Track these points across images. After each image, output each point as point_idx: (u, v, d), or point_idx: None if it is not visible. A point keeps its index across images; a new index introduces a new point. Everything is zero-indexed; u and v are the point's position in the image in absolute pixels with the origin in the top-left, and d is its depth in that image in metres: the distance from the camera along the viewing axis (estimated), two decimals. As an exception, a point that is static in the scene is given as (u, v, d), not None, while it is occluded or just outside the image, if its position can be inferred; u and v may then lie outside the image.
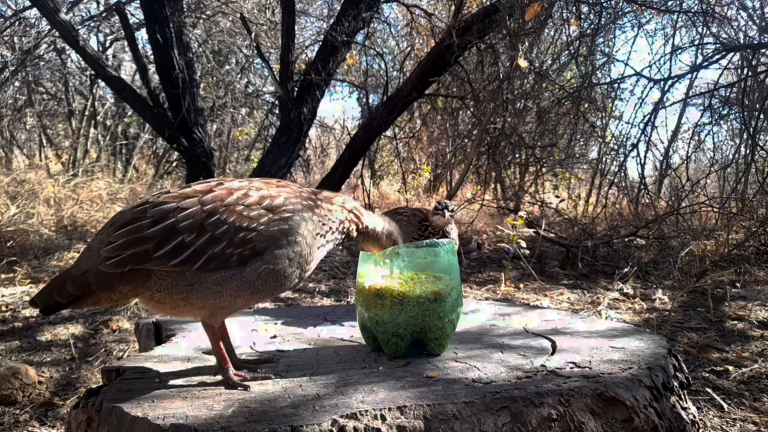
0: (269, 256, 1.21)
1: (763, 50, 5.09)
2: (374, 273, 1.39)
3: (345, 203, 1.37)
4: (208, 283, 1.18)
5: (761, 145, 5.55)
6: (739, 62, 6.18)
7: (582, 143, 7.73)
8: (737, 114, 6.04)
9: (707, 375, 2.46)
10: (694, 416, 1.35)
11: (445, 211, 1.91)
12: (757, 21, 5.50)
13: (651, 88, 5.93)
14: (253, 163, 9.31)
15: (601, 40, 5.72)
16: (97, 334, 3.03)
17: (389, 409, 1.03)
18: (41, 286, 3.84)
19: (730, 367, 2.52)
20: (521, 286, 4.19)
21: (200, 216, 1.18)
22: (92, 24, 7.51)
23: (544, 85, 5.27)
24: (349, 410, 1.02)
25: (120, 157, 9.69)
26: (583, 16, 5.05)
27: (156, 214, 1.18)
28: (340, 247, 1.44)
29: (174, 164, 9.72)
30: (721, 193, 7.04)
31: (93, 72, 6.61)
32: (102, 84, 8.45)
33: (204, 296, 1.19)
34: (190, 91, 5.24)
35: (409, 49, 7.39)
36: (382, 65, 6.78)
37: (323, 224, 1.31)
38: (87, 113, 8.97)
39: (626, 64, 10.42)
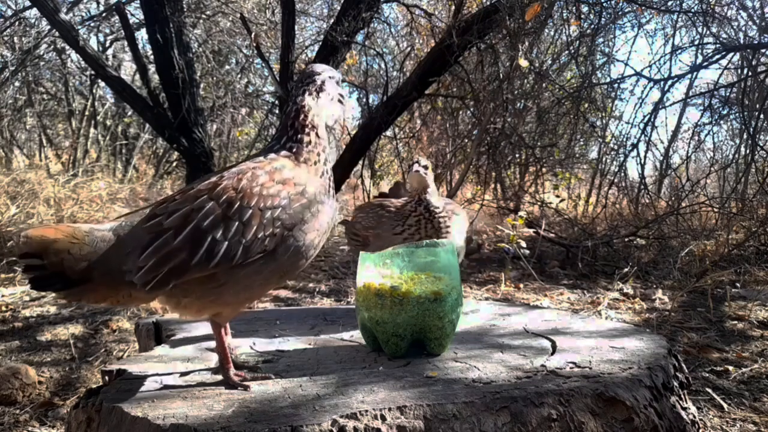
0: (298, 232, 1.18)
1: (763, 50, 5.09)
2: (374, 273, 1.39)
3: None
4: (240, 277, 1.15)
5: (761, 145, 5.55)
6: (739, 62, 6.18)
7: (582, 143, 7.72)
8: (737, 114, 6.04)
9: (707, 375, 2.46)
10: (694, 416, 1.35)
11: (415, 165, 1.64)
12: (757, 21, 5.50)
13: (651, 88, 5.94)
14: (253, 163, 9.29)
15: (601, 40, 5.72)
16: (97, 334, 3.03)
17: (389, 409, 1.03)
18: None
19: (730, 367, 2.52)
20: (521, 286, 4.19)
21: (219, 210, 1.14)
22: (92, 24, 7.51)
23: (544, 85, 5.27)
24: (349, 410, 1.02)
25: (120, 157, 9.69)
26: (583, 16, 5.05)
27: (174, 223, 1.13)
28: (344, 246, 1.44)
29: (174, 164, 9.73)
30: (721, 193, 7.03)
31: (93, 72, 6.61)
32: (102, 84, 8.46)
33: (236, 293, 1.17)
34: (190, 91, 5.23)
35: (409, 49, 7.38)
36: (382, 65, 6.78)
37: (322, 186, 1.28)
38: (87, 113, 8.97)
39: (626, 64, 10.40)
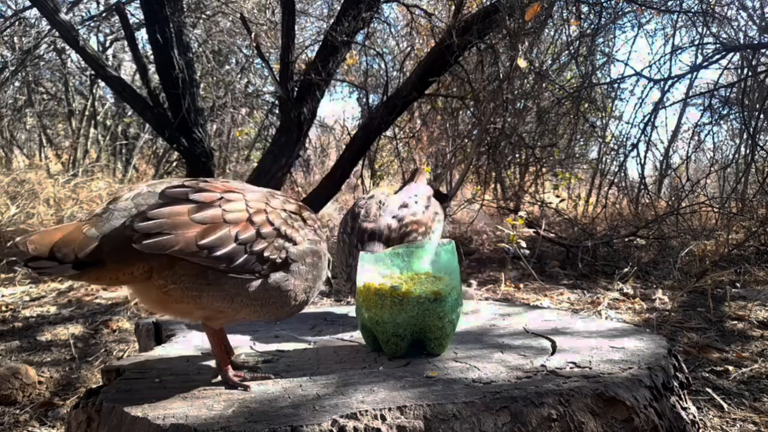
0: (295, 269, 1.20)
1: (763, 50, 5.09)
2: (374, 273, 1.39)
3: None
4: (228, 285, 1.14)
5: (761, 145, 5.55)
6: (739, 62, 6.18)
7: (582, 143, 7.72)
8: (737, 114, 6.04)
9: (707, 375, 2.46)
10: (694, 416, 1.35)
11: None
12: (757, 21, 5.50)
13: (651, 88, 5.94)
14: (253, 163, 9.31)
15: (601, 40, 5.72)
16: (97, 334, 3.03)
17: (389, 409, 1.03)
18: (41, 286, 3.85)
19: (730, 367, 2.52)
20: (521, 286, 4.19)
21: (246, 212, 1.15)
22: (92, 24, 7.50)
23: (544, 85, 5.27)
24: (349, 410, 1.02)
25: (120, 157, 9.68)
26: (583, 16, 5.05)
27: (201, 198, 1.12)
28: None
29: (174, 164, 9.72)
30: (721, 193, 7.04)
31: (93, 72, 6.61)
32: (102, 84, 8.46)
33: (214, 298, 1.15)
34: (190, 91, 5.23)
35: (409, 49, 7.38)
36: (382, 65, 6.78)
37: (326, 255, 1.34)
38: (87, 113, 8.97)
39: (626, 64, 10.38)
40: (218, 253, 1.10)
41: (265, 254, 1.15)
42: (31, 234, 1.07)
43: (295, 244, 1.21)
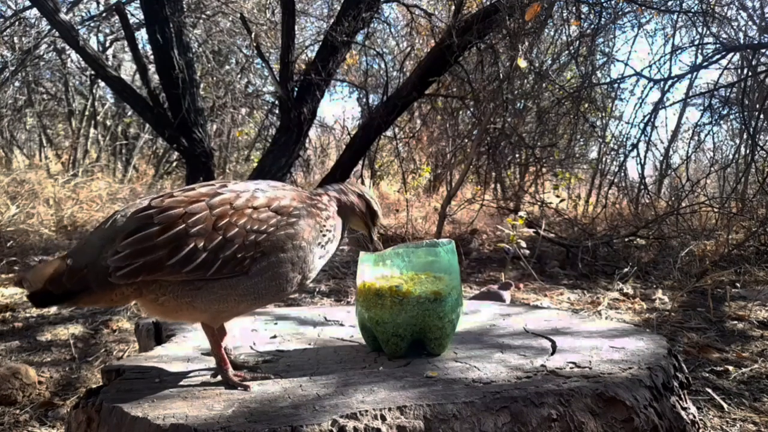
0: (274, 259, 1.21)
1: (763, 50, 5.10)
2: (374, 273, 1.39)
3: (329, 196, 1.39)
4: (216, 287, 1.18)
5: (761, 145, 5.55)
6: (739, 62, 6.19)
7: (582, 143, 7.74)
8: (737, 114, 6.05)
9: (707, 375, 2.46)
10: (694, 416, 1.35)
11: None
12: (757, 21, 5.50)
13: (651, 88, 5.96)
14: (253, 163, 9.32)
15: (601, 40, 5.72)
16: (97, 334, 3.03)
17: (389, 409, 1.03)
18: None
19: (730, 367, 2.52)
20: (521, 286, 4.19)
21: (210, 220, 1.17)
22: (92, 24, 7.51)
23: (544, 85, 5.27)
24: (349, 410, 1.02)
25: (120, 157, 9.69)
26: (583, 16, 5.05)
27: (164, 220, 1.16)
28: (344, 246, 1.44)
29: (174, 164, 9.73)
30: (721, 193, 7.04)
31: (93, 72, 6.62)
32: (102, 84, 8.46)
33: (209, 301, 1.18)
34: (190, 91, 5.23)
35: (409, 49, 7.39)
36: (382, 65, 6.78)
37: (323, 234, 1.31)
38: (87, 113, 8.97)
39: (626, 64, 10.43)
40: (190, 267, 1.14)
41: (238, 255, 1.17)
42: (27, 272, 1.16)
43: (268, 236, 1.21)
